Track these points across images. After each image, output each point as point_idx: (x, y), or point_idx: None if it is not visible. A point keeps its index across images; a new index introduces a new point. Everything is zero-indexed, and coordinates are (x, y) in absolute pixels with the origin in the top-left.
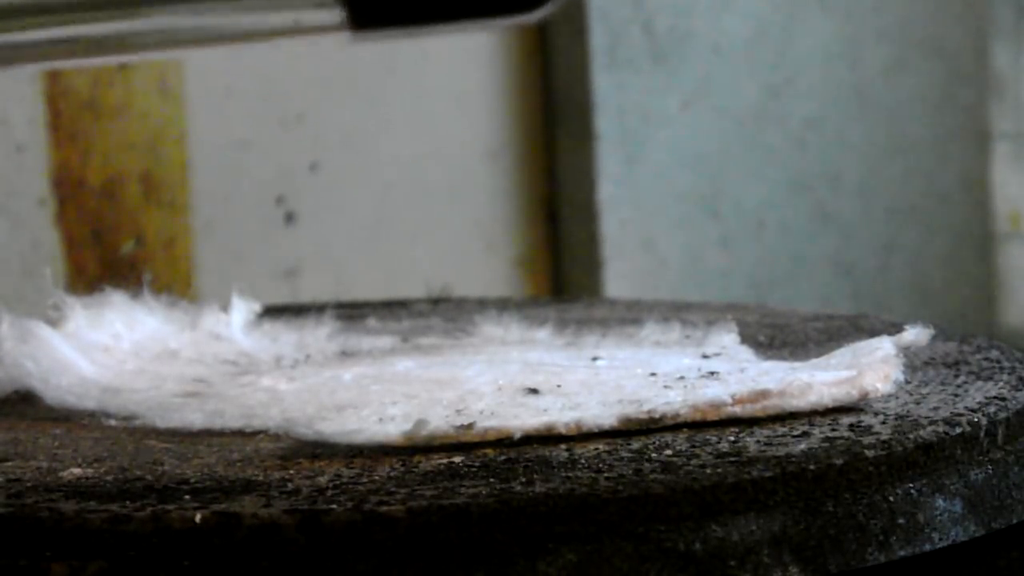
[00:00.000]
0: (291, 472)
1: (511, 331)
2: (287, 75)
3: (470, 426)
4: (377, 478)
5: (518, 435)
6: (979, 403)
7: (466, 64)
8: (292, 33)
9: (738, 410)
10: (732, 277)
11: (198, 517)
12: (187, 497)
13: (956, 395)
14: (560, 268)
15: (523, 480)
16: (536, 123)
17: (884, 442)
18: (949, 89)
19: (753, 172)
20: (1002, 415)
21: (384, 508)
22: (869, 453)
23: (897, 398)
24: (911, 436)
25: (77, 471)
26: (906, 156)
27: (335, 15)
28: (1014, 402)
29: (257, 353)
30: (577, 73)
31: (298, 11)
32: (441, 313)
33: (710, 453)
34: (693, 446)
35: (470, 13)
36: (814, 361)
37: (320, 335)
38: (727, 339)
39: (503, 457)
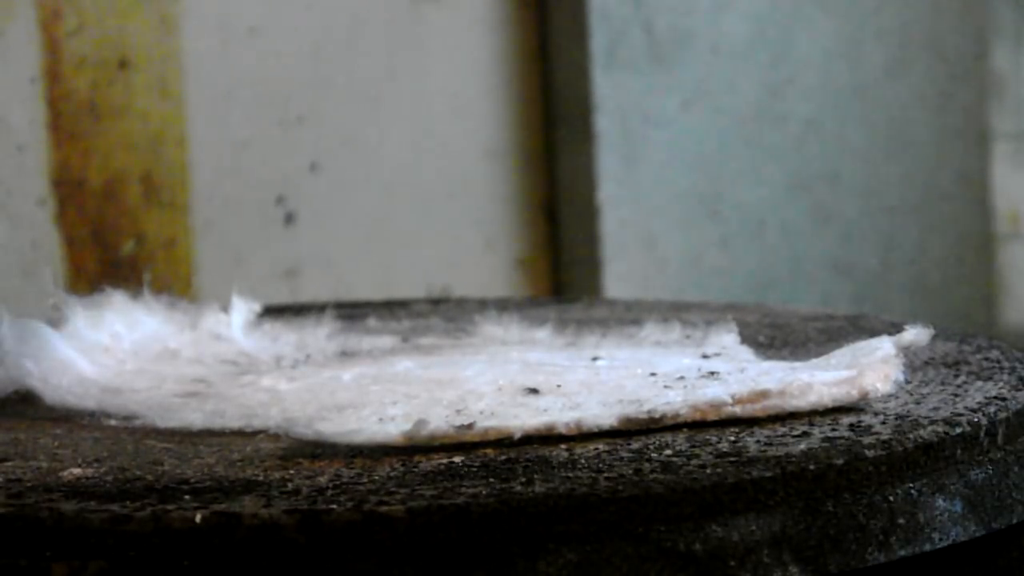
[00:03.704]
0: (291, 472)
1: (511, 331)
2: (287, 76)
3: (470, 426)
4: (377, 478)
5: (518, 435)
6: (979, 403)
7: (466, 65)
8: None
9: (738, 410)
10: (732, 277)
11: (198, 517)
12: (187, 497)
13: (956, 395)
14: (560, 268)
15: (523, 480)
16: (536, 123)
17: (884, 442)
18: (949, 89)
19: (753, 172)
20: (1002, 415)
21: (384, 508)
22: (869, 453)
23: (897, 398)
24: (911, 436)
25: (77, 471)
26: (906, 156)
27: None
28: (1014, 402)
29: (257, 353)
30: (577, 73)
31: None
32: (441, 313)
33: (710, 453)
34: (693, 446)
35: None
36: (814, 361)
37: (320, 335)
38: (727, 339)
39: (503, 457)
